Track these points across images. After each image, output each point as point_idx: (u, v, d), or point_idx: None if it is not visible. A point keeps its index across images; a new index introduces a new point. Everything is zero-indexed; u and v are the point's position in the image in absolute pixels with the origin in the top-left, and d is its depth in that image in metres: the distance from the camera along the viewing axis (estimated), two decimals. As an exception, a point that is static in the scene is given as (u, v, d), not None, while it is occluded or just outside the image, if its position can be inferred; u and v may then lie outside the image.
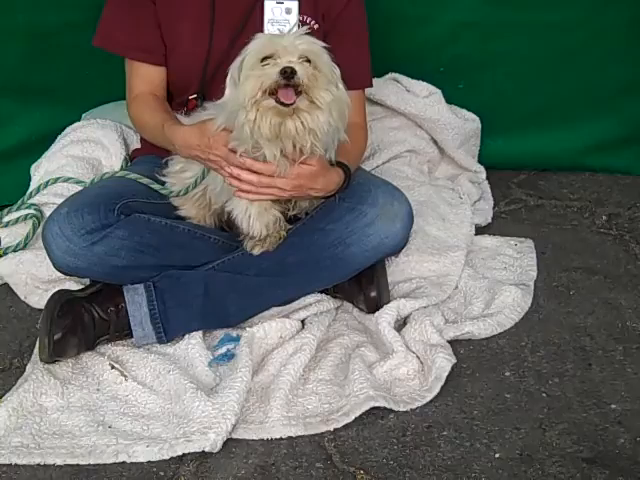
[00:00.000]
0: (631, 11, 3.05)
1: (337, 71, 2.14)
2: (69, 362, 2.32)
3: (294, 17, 2.48)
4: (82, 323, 2.31)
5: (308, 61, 2.06)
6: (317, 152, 2.13)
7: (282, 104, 2.03)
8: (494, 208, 3.09)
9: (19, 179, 3.03)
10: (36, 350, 2.32)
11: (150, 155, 2.66)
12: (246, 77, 2.07)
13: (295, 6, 2.47)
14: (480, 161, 3.28)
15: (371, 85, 2.68)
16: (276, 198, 2.25)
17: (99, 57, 2.62)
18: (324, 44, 2.12)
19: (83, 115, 3.14)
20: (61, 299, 2.32)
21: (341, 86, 2.13)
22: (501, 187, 3.24)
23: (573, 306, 2.55)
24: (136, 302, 2.37)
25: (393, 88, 3.12)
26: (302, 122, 2.05)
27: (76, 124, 3.07)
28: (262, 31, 2.44)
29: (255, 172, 2.16)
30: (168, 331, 2.39)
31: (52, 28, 2.96)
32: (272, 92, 2.03)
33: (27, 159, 3.04)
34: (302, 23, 2.48)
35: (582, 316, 2.51)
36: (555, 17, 3.04)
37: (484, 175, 3.23)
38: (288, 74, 2.00)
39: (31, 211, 2.81)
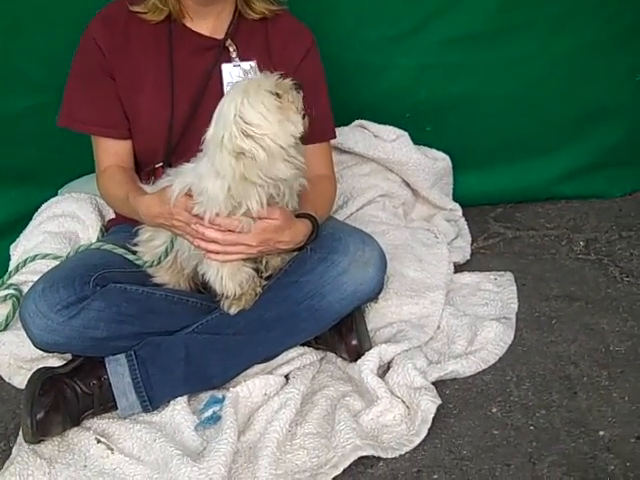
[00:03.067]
0: (586, 36, 3.09)
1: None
2: (55, 440, 2.29)
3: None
4: (65, 400, 2.29)
5: None
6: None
7: None
8: (472, 244, 3.09)
9: (1, 259, 3.02)
10: (21, 431, 2.29)
11: (125, 224, 2.67)
12: None
13: (252, 67, 2.49)
14: (455, 199, 3.29)
15: (335, 137, 2.69)
16: (245, 256, 2.25)
17: (67, 136, 2.64)
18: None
19: (59, 191, 3.16)
20: (41, 377, 2.30)
21: None
22: (478, 222, 3.25)
23: (556, 335, 2.55)
24: (118, 373, 2.35)
25: (360, 135, 3.14)
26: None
27: (51, 200, 3.08)
28: (222, 94, 2.46)
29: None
30: (153, 399, 2.37)
31: (17, 112, 2.98)
32: None
33: (6, 240, 3.05)
34: None
35: (565, 344, 2.50)
36: (511, 52, 3.07)
37: (460, 212, 3.23)
38: None
39: (10, 291, 2.80)
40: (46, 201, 3.09)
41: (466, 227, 3.19)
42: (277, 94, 2.10)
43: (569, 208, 3.31)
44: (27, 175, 3.11)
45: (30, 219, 3.07)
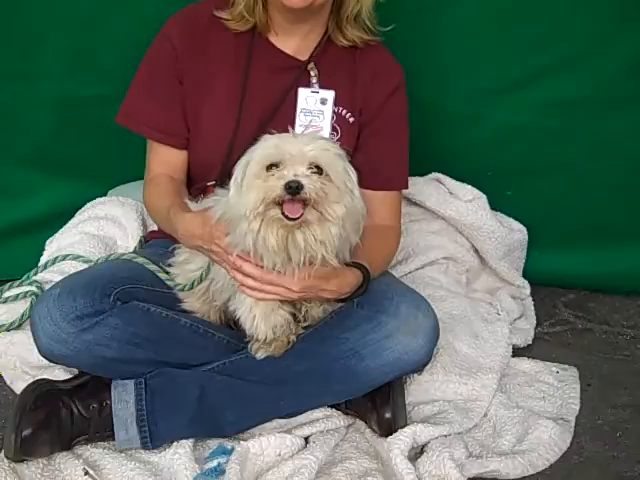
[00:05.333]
0: None
1: (354, 176, 1.95)
2: (40, 462, 2.11)
3: (329, 108, 2.37)
4: (58, 419, 2.12)
5: (319, 169, 1.87)
6: (330, 262, 1.94)
7: (288, 218, 1.85)
8: (536, 328, 2.87)
9: (35, 253, 2.90)
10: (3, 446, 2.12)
11: (165, 239, 2.49)
12: (249, 187, 1.90)
13: (331, 96, 2.37)
14: (524, 275, 3.07)
15: (406, 187, 2.51)
16: (283, 299, 2.03)
17: (127, 134, 2.49)
18: (338, 150, 1.94)
19: (109, 192, 3.04)
20: (37, 390, 2.14)
21: (357, 193, 1.95)
22: (546, 305, 3.03)
23: (619, 450, 2.29)
24: (123, 400, 2.17)
25: (435, 189, 2.95)
26: (312, 234, 1.89)
27: (97, 200, 2.99)
28: (294, 121, 2.34)
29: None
30: (155, 436, 2.17)
31: (83, 100, 2.88)
32: (278, 202, 1.86)
33: (44, 232, 2.94)
34: (336, 115, 2.37)
35: (630, 463, 2.24)
36: (616, 125, 2.83)
37: (528, 291, 3.01)
38: (293, 189, 1.82)
39: (32, 288, 2.66)
40: (93, 199, 2.98)
41: (532, 308, 2.97)
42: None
43: (650, 308, 3.04)
44: (80, 168, 3.00)
45: (72, 216, 2.96)
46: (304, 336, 2.17)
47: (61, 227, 2.93)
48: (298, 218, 1.85)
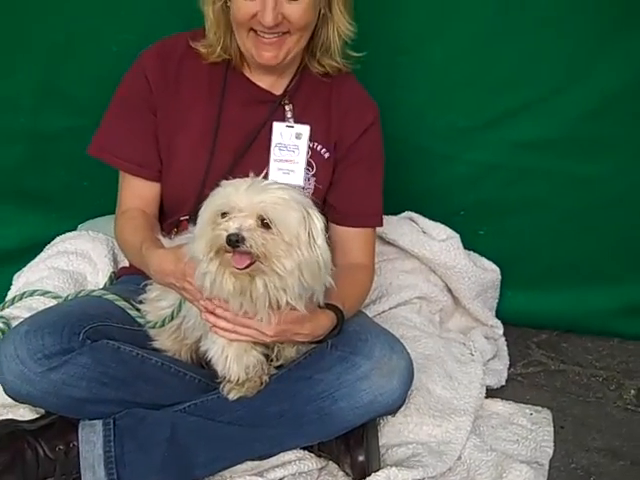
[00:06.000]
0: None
1: (319, 224, 1.92)
2: (4, 505, 2.03)
3: (304, 143, 2.35)
4: (23, 461, 2.06)
5: (268, 222, 1.85)
6: (296, 307, 1.92)
7: (236, 267, 1.85)
8: (509, 369, 2.84)
9: (3, 287, 2.83)
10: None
11: (137, 276, 2.44)
12: (200, 233, 1.90)
13: (306, 131, 2.34)
14: (497, 315, 3.04)
15: (381, 224, 2.48)
16: (256, 341, 2.00)
17: (98, 167, 2.46)
18: (296, 200, 1.90)
19: (79, 226, 2.99)
20: (1, 431, 2.07)
21: (320, 242, 1.91)
22: (519, 346, 3.00)
23: (593, 495, 2.24)
24: (90, 441, 2.10)
25: (408, 228, 2.92)
26: (271, 281, 1.87)
27: (67, 234, 2.92)
28: (268, 156, 2.31)
29: None
30: (123, 479, 2.08)
31: (54, 132, 2.85)
32: (225, 250, 1.85)
33: (13, 266, 2.88)
34: (311, 151, 2.35)
35: (603, 509, 2.19)
36: (588, 166, 2.84)
37: (501, 331, 2.98)
38: (233, 242, 1.82)
39: (-1, 324, 2.57)
40: (64, 233, 2.92)
41: (505, 348, 2.94)
42: None
43: (623, 349, 3.02)
44: (49, 201, 2.97)
45: (42, 250, 2.89)
46: (277, 377, 2.13)
47: (30, 261, 2.84)
48: (245, 268, 1.84)
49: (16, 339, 2.05)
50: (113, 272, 2.72)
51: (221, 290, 1.90)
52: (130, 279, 2.49)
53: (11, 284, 2.82)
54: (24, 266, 2.85)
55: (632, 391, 2.75)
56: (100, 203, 2.89)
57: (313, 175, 2.35)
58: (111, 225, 2.79)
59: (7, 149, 2.86)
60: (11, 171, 2.90)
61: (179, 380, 2.20)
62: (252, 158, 2.29)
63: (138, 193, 2.37)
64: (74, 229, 2.96)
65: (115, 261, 2.80)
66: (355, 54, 2.36)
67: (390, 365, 2.09)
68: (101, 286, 2.67)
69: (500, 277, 3.01)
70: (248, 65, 2.34)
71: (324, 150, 2.36)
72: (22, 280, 2.77)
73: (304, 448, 2.25)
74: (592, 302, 3.04)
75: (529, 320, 3.10)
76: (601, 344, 3.05)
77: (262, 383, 2.11)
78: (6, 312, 2.62)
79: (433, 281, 2.91)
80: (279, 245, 1.85)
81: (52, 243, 2.88)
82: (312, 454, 2.26)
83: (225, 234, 1.83)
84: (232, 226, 1.83)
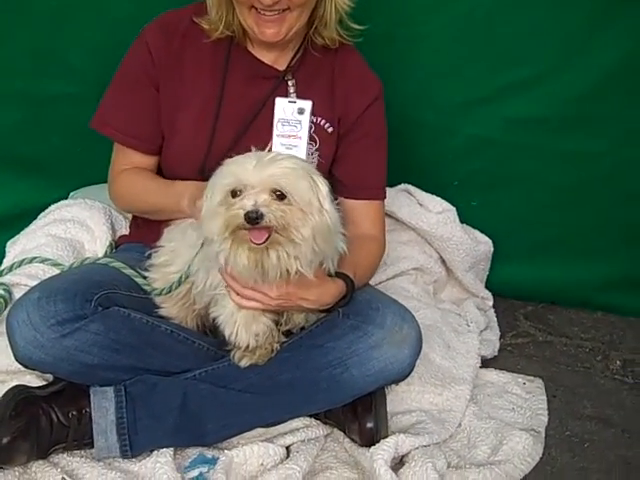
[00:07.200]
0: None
1: (324, 189, 1.92)
2: (16, 471, 2.04)
3: (307, 118, 2.33)
4: (38, 427, 2.05)
5: (281, 194, 1.86)
6: (305, 274, 1.94)
7: (254, 243, 1.85)
8: (500, 340, 2.87)
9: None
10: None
11: (138, 244, 2.45)
12: (213, 214, 1.89)
13: (308, 106, 2.32)
14: (487, 287, 3.08)
15: (384, 197, 2.48)
16: (262, 307, 2.02)
17: (92, 135, 2.42)
18: (302, 167, 1.91)
19: (71, 194, 2.95)
20: (16, 397, 2.06)
21: (327, 206, 1.92)
22: (507, 317, 3.05)
23: (589, 461, 2.31)
24: (102, 407, 2.11)
25: (405, 200, 2.94)
26: (285, 251, 1.88)
27: (62, 202, 2.89)
28: (271, 131, 2.30)
29: None
30: (135, 445, 2.12)
31: (50, 97, 2.81)
32: (243, 228, 1.85)
33: (4, 234, 2.84)
34: (314, 125, 2.34)
35: (599, 474, 2.26)
36: (581, 144, 2.87)
37: (491, 302, 3.04)
38: (252, 220, 1.82)
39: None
40: (55, 201, 2.90)
41: (495, 319, 2.99)
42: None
43: (606, 321, 3.09)
44: (42, 167, 2.93)
45: (33, 217, 2.87)
46: (289, 345, 2.14)
47: (22, 228, 2.81)
48: (263, 242, 1.85)
49: (29, 305, 2.04)
50: (113, 240, 2.71)
51: (236, 264, 1.91)
52: (131, 247, 2.49)
53: (3, 251, 2.78)
54: (14, 233, 2.81)
55: (618, 362, 2.81)
56: (92, 171, 2.84)
57: (316, 150, 2.35)
58: (105, 193, 2.78)
59: (1, 112, 2.80)
60: (3, 136, 2.84)
61: (188, 347, 2.21)
62: (255, 133, 2.28)
63: (135, 162, 2.37)
64: (65, 197, 2.93)
65: (113, 229, 2.77)
66: (357, 26, 2.34)
67: (401, 334, 2.12)
68: (100, 254, 2.65)
69: (492, 249, 3.04)
70: (251, 41, 2.31)
71: (327, 125, 2.36)
72: (18, 247, 2.74)
73: (311, 415, 2.27)
74: (576, 276, 3.09)
75: (515, 292, 3.15)
76: (585, 316, 3.11)
77: (273, 350, 2.13)
78: (6, 279, 2.59)
79: (428, 253, 2.94)
80: (296, 214, 1.86)
81: (47, 211, 2.85)
82: (318, 421, 2.27)
83: (242, 212, 1.82)
84: (248, 204, 1.82)
